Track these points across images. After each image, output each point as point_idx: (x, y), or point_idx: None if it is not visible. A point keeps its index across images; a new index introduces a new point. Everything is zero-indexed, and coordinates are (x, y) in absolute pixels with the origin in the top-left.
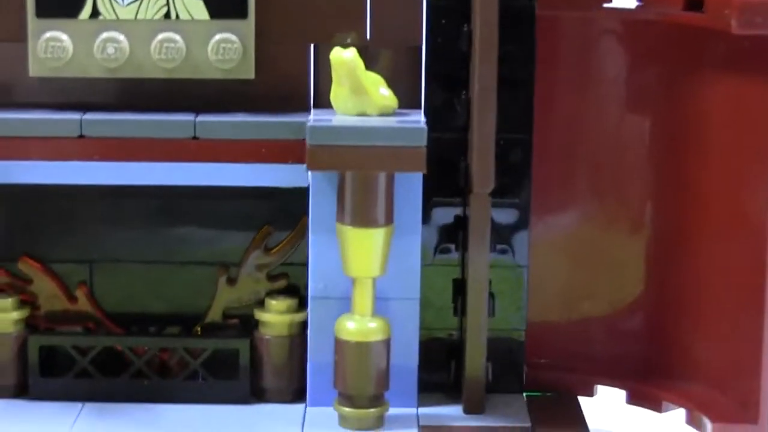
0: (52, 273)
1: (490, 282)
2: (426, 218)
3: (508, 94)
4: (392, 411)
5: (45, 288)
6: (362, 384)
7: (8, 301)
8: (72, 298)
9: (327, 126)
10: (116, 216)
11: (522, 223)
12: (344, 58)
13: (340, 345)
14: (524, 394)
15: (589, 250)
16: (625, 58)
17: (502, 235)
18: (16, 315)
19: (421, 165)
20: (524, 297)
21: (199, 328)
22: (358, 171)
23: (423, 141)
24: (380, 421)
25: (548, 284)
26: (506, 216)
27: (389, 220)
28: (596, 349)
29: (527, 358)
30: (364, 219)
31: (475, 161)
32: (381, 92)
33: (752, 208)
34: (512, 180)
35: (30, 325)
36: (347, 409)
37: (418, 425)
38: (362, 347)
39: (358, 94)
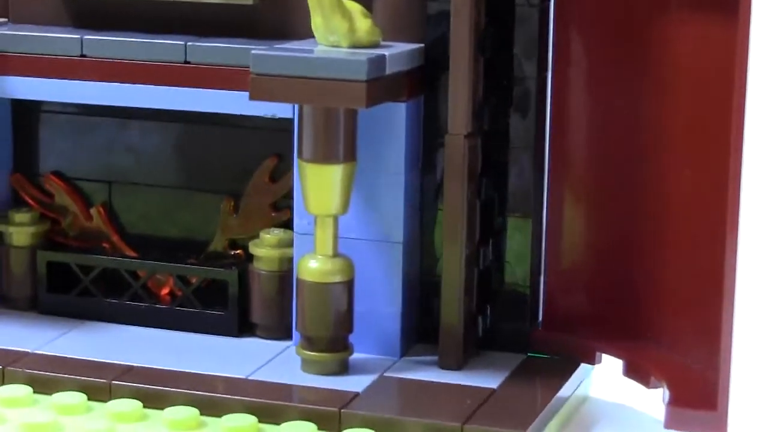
0: (75, 192)
1: (502, 231)
2: (430, 160)
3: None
4: (361, 356)
5: (66, 205)
6: (321, 326)
7: (26, 215)
8: (89, 217)
9: (268, 55)
10: (138, 139)
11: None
12: None
13: (300, 285)
14: (528, 355)
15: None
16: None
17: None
18: (32, 229)
19: (361, 100)
20: (532, 251)
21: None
22: (297, 103)
23: (363, 74)
24: (342, 366)
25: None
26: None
27: (349, 157)
28: (599, 311)
29: (545, 318)
30: (322, 155)
31: (450, 101)
32: (355, 22)
33: (715, 152)
34: (523, 125)
35: (51, 240)
36: (307, 353)
37: (381, 375)
38: (321, 288)
39: (329, 23)
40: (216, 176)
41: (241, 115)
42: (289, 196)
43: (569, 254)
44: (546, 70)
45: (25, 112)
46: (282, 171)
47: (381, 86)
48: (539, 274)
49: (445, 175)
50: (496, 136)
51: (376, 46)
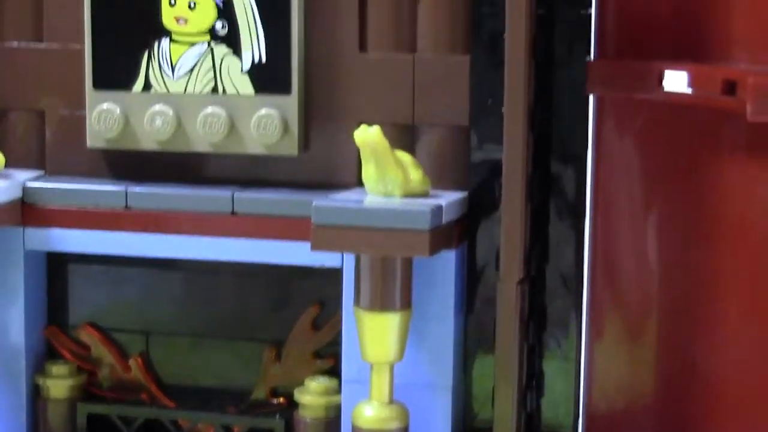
0: (111, 342)
1: (542, 374)
2: (470, 304)
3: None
4: None
5: (103, 356)
6: None
7: (63, 367)
8: (127, 368)
9: (330, 206)
10: (173, 289)
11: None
12: (367, 136)
13: None
14: None
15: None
16: (674, 139)
17: (554, 325)
18: (70, 381)
19: (424, 249)
20: (574, 390)
21: (238, 407)
22: (360, 253)
23: (426, 225)
24: None
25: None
26: (558, 304)
27: (406, 304)
28: None
29: None
30: (380, 303)
31: (503, 250)
32: (408, 172)
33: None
34: (564, 264)
35: (88, 392)
36: None
37: None
38: None
39: (384, 173)
40: (255, 324)
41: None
42: (333, 343)
43: (609, 396)
44: (584, 216)
45: (58, 262)
46: (323, 319)
47: (440, 235)
48: (579, 416)
49: (497, 322)
50: (538, 280)
51: (426, 195)
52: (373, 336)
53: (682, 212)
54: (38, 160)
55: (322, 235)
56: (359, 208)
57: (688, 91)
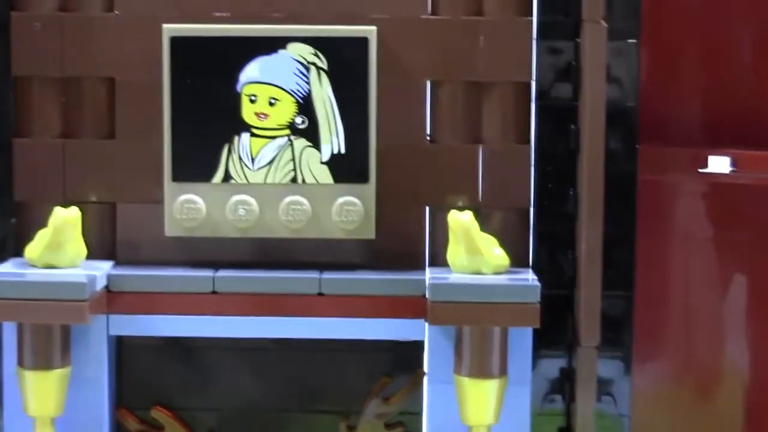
0: (183, 421)
1: None
2: (533, 370)
3: (612, 253)
4: None
5: None
6: None
7: None
8: None
9: (447, 283)
10: (243, 365)
11: (624, 374)
12: (461, 220)
13: None
14: None
15: (689, 401)
16: (719, 218)
17: (604, 386)
18: None
19: (535, 320)
20: None
21: None
22: (476, 326)
23: (537, 298)
24: None
25: None
26: (609, 367)
27: (503, 371)
28: None
29: None
30: (480, 370)
31: (583, 316)
32: (494, 252)
33: None
34: (615, 333)
35: None
36: None
37: None
38: None
39: (474, 253)
40: (328, 398)
41: (360, 339)
42: (404, 413)
43: None
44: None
45: (128, 344)
46: (393, 390)
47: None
48: None
49: (578, 386)
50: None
51: (508, 272)
52: (474, 401)
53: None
54: (109, 250)
55: (440, 312)
56: (475, 284)
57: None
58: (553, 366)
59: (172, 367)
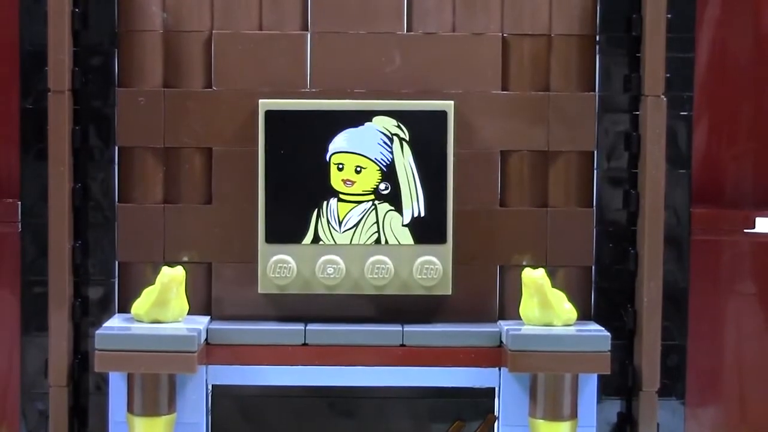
0: None
1: None
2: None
3: (668, 306)
4: None
5: None
6: None
7: None
8: None
9: (526, 334)
10: (330, 412)
11: (678, 420)
12: (535, 277)
13: None
14: None
15: None
16: (766, 274)
17: (661, 430)
18: None
19: (606, 367)
20: None
21: None
22: (552, 373)
23: (607, 346)
24: None
25: None
26: (665, 412)
27: (573, 414)
28: None
29: None
30: (553, 413)
31: (644, 363)
32: (564, 306)
33: None
34: (670, 381)
35: None
36: None
37: None
38: None
39: (546, 307)
40: None
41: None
42: None
43: None
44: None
45: (220, 395)
46: None
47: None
48: None
49: (639, 429)
50: None
51: (575, 324)
52: None
53: None
54: (204, 307)
55: (519, 360)
56: (551, 335)
57: None
58: (611, 410)
59: (263, 414)
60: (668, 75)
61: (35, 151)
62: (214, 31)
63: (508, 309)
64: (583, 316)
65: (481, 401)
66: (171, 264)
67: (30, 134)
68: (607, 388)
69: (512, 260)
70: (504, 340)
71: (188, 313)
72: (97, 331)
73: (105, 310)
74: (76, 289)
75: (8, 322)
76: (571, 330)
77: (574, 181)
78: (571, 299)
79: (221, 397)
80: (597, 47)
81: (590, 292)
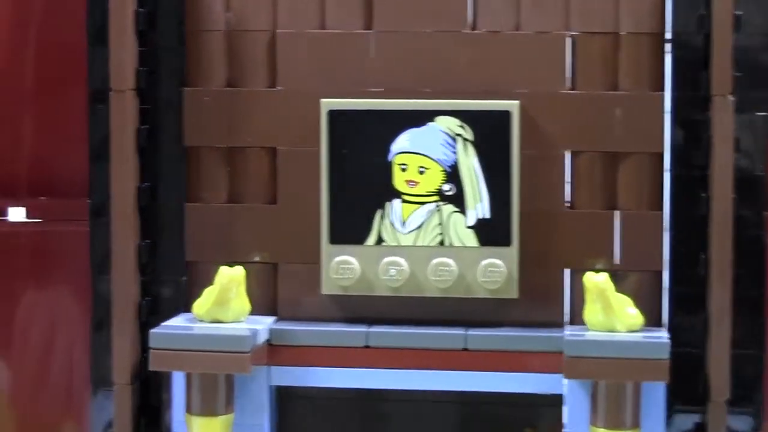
0: None
1: None
2: (668, 424)
3: (742, 314)
4: None
5: None
6: None
7: None
8: None
9: (582, 340)
10: (393, 416)
11: (753, 430)
12: (597, 281)
13: None
14: None
15: None
16: None
17: None
18: None
19: (664, 375)
20: None
21: None
22: (609, 380)
23: (665, 354)
24: None
25: None
26: (740, 423)
27: (636, 424)
28: None
29: None
30: (614, 423)
31: (713, 372)
32: (628, 311)
33: None
34: (746, 391)
35: None
36: None
37: None
38: None
39: (609, 312)
40: None
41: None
42: None
43: None
44: None
45: (286, 397)
46: None
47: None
48: None
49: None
50: None
51: (641, 330)
52: None
53: None
54: (270, 307)
55: (575, 366)
56: (606, 341)
57: None
58: (688, 421)
59: (329, 417)
60: (740, 74)
61: (103, 150)
62: (277, 31)
63: (579, 315)
64: (654, 322)
65: (546, 408)
66: (237, 264)
67: (97, 134)
68: (683, 399)
69: (581, 264)
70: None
71: (256, 313)
72: (152, 330)
73: (175, 310)
74: (145, 288)
75: (80, 319)
76: (630, 336)
77: (643, 183)
78: (640, 305)
79: (289, 398)
80: (668, 45)
81: (661, 299)
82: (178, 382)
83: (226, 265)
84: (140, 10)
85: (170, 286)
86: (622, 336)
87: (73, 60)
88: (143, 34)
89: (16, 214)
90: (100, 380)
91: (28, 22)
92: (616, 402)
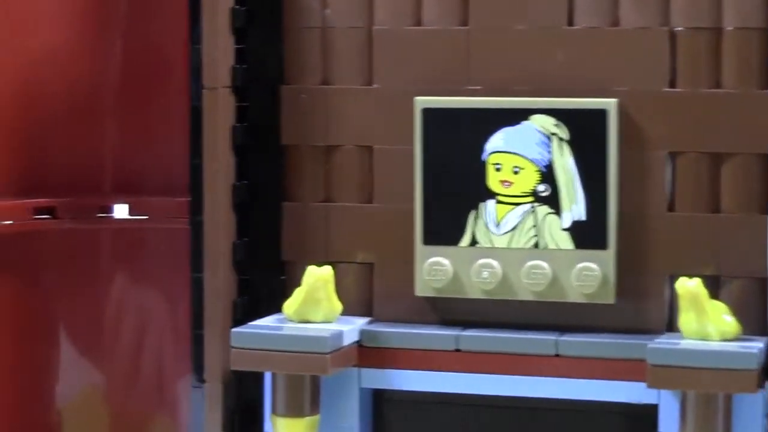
0: None
1: None
2: None
3: None
4: None
5: None
6: None
7: None
8: None
9: (664, 348)
10: (483, 421)
11: None
12: (689, 287)
13: None
14: None
15: None
16: None
17: None
18: None
19: (751, 386)
20: None
21: None
22: (692, 390)
23: (753, 364)
24: None
25: None
26: None
27: None
28: None
29: None
30: None
31: None
32: (724, 318)
33: None
34: None
35: None
36: None
37: None
38: None
39: (702, 319)
40: None
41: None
42: None
43: None
44: None
45: (381, 400)
46: None
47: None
48: None
49: None
50: None
51: (737, 339)
52: None
53: None
54: (366, 308)
55: (658, 374)
56: (688, 349)
57: None
58: None
59: (423, 422)
60: None
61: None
62: (374, 27)
63: (677, 321)
64: (759, 330)
65: (640, 418)
66: (333, 264)
67: (197, 132)
68: None
69: (682, 270)
70: None
71: (352, 314)
72: (233, 329)
73: (273, 309)
74: (242, 286)
75: (182, 315)
76: (719, 345)
77: (748, 186)
78: (743, 312)
79: (384, 401)
80: None
81: (765, 306)
82: (269, 382)
83: (322, 264)
84: (237, 7)
85: (268, 285)
86: (706, 344)
87: (177, 58)
88: (240, 31)
89: (121, 211)
90: (198, 377)
91: (130, 21)
92: (706, 413)
